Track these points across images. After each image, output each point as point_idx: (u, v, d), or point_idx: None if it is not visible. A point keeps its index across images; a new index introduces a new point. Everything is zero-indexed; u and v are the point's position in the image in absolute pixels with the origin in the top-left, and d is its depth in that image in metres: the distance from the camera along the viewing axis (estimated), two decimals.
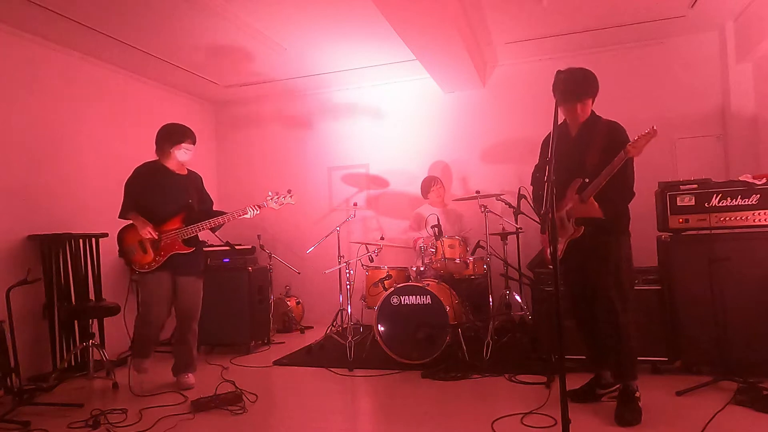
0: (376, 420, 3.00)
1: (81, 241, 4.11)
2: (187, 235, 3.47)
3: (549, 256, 2.83)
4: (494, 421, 2.66)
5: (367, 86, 5.76)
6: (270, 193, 3.59)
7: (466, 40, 4.11)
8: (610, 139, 2.66)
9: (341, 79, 5.54)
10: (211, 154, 6.22)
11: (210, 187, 6.01)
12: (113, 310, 3.81)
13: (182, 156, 3.54)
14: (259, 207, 3.55)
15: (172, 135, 3.51)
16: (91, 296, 4.14)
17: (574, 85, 2.68)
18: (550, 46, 4.85)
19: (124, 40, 4.29)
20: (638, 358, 2.79)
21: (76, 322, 4.04)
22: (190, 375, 3.60)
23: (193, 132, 3.57)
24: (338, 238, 4.79)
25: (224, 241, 4.88)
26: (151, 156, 3.61)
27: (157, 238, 3.41)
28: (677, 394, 2.95)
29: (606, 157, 2.56)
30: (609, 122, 2.76)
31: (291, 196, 3.59)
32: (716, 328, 3.18)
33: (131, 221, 3.45)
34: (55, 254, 3.95)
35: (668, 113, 4.71)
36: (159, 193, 3.48)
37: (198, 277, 3.62)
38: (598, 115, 2.79)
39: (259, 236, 5.34)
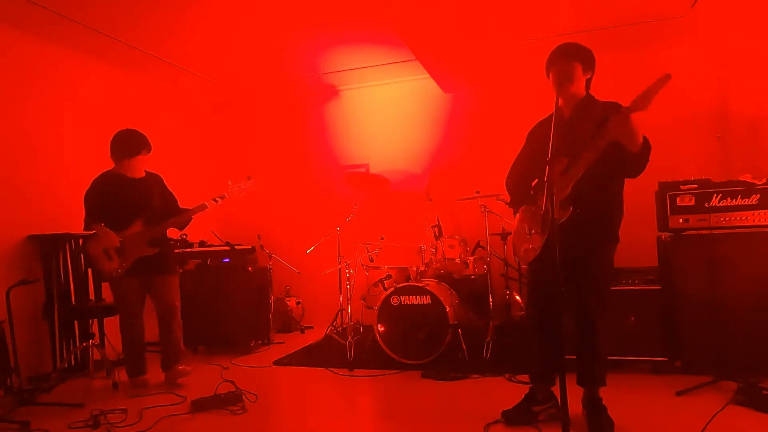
0: (376, 420, 3.00)
1: (81, 241, 4.10)
2: (149, 236, 3.51)
3: (522, 254, 2.66)
4: (495, 422, 2.65)
5: (367, 86, 5.76)
6: (230, 182, 3.70)
7: (465, 40, 4.11)
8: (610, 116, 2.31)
9: (341, 78, 5.54)
10: (210, 154, 6.22)
11: (209, 187, 6.07)
12: (113, 310, 3.81)
13: (138, 165, 3.59)
14: (221, 197, 3.66)
15: (126, 145, 3.56)
16: (91, 296, 4.14)
17: (565, 47, 2.63)
18: (550, 46, 4.83)
19: (123, 40, 4.29)
20: (638, 358, 2.78)
21: (76, 322, 4.04)
22: (182, 366, 3.64)
23: (147, 140, 3.62)
24: (338, 238, 4.80)
25: (224, 241, 4.90)
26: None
27: (119, 244, 3.45)
28: (677, 394, 2.95)
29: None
30: (609, 102, 2.52)
31: (251, 182, 3.72)
32: (716, 328, 3.18)
33: (95, 231, 3.50)
34: (55, 254, 3.95)
35: (668, 113, 4.70)
36: (117, 200, 3.53)
37: (172, 274, 3.67)
38: (596, 99, 2.62)
39: (259, 236, 5.34)
